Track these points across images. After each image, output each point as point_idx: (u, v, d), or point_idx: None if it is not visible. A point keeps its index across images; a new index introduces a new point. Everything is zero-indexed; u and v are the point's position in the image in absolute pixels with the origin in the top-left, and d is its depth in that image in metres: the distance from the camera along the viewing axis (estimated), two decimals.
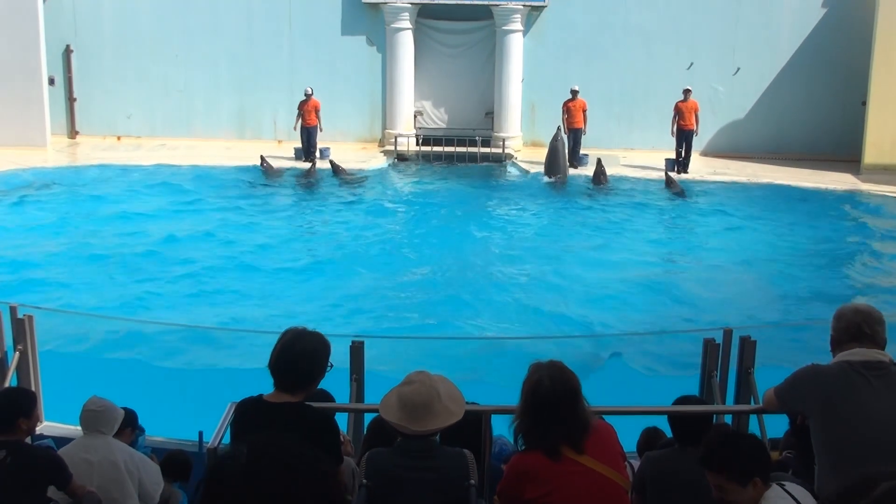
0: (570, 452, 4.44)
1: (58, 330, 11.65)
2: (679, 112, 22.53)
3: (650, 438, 6.77)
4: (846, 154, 23.42)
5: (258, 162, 22.42)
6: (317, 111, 23.19)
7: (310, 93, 23.21)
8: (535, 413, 4.46)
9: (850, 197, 21.29)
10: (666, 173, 21.85)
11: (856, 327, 4.78)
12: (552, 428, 4.43)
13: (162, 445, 8.15)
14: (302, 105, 23.22)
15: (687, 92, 22.53)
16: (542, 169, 22.50)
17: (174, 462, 7.17)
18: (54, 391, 9.08)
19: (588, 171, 22.32)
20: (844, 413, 4.59)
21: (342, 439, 5.34)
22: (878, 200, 21.04)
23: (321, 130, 23.34)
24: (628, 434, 5.73)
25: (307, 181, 21.93)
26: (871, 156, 22.66)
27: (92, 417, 6.16)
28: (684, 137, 22.58)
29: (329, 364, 4.76)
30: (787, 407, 5.09)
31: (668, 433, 6.05)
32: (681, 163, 22.60)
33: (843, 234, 19.05)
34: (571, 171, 22.57)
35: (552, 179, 21.90)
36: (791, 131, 24.28)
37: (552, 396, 4.42)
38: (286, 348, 4.68)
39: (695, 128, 22.54)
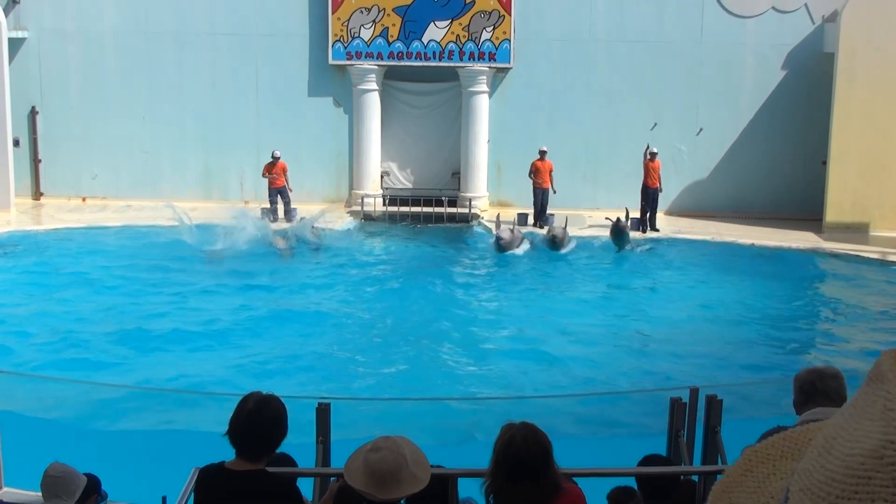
0: None
1: (18, 393, 11.48)
2: (647, 171, 22.82)
3: (619, 498, 6.73)
4: (808, 213, 23.71)
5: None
6: (285, 172, 23.25)
7: (278, 156, 23.27)
8: (506, 472, 4.43)
9: (813, 255, 21.52)
10: (614, 226, 21.73)
11: (809, 385, 4.81)
12: (523, 489, 4.40)
13: None
14: (269, 167, 23.25)
15: (653, 154, 22.83)
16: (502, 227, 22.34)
17: None
18: (14, 457, 8.93)
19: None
20: None
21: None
22: (840, 259, 21.28)
23: (291, 191, 23.40)
24: (596, 495, 5.70)
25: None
26: (832, 214, 22.94)
27: (52, 484, 6.04)
28: (650, 195, 22.88)
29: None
30: None
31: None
32: (646, 221, 22.84)
33: (805, 292, 19.24)
34: (535, 230, 22.72)
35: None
36: (753, 190, 24.58)
37: (524, 455, 4.40)
38: (250, 417, 4.62)
39: (658, 186, 22.83)
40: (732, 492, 1.60)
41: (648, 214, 22.89)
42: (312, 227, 22.07)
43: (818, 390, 4.78)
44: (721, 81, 24.44)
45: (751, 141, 24.51)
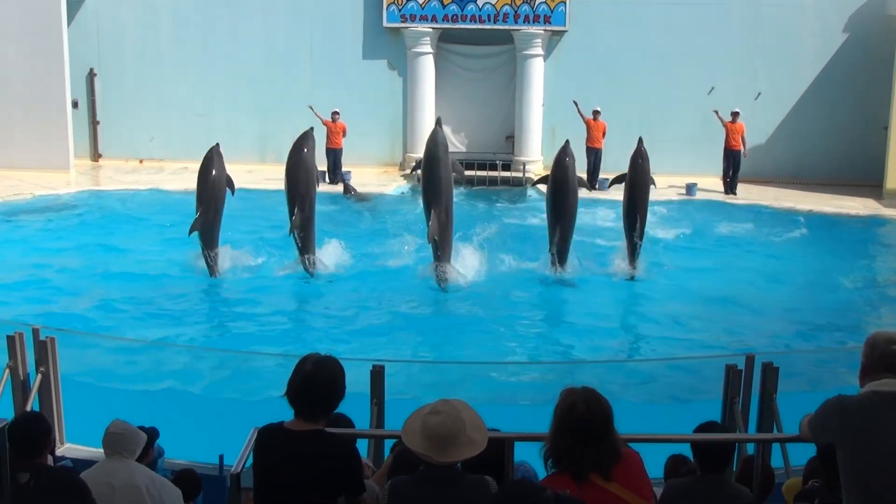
0: (598, 479, 4.41)
1: (80, 352, 11.68)
2: (727, 133, 22.66)
3: (676, 465, 6.71)
4: (868, 179, 23.32)
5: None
6: (343, 133, 23.36)
7: (338, 114, 23.34)
8: (568, 436, 4.43)
9: (873, 222, 21.18)
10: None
11: (891, 357, 4.66)
12: (583, 453, 4.40)
13: (182, 468, 8.13)
14: (329, 126, 23.36)
15: (735, 114, 22.58)
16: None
17: (184, 480, 7.11)
18: (75, 414, 9.11)
19: (608, 195, 22.14)
20: (872, 444, 4.51)
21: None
22: None
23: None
24: (651, 460, 5.68)
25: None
26: (893, 181, 22.58)
27: (114, 440, 6.15)
28: (732, 158, 22.74)
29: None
30: (818, 438, 5.02)
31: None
32: (728, 184, 22.94)
33: (865, 260, 18.92)
34: (590, 195, 22.55)
35: None
36: (813, 156, 24.22)
37: (587, 421, 4.40)
38: (309, 378, 4.66)
39: (742, 149, 22.65)
40: None
41: (731, 177, 22.92)
42: (353, 190, 22.43)
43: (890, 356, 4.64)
44: (780, 45, 24.05)
45: (810, 106, 24.13)
